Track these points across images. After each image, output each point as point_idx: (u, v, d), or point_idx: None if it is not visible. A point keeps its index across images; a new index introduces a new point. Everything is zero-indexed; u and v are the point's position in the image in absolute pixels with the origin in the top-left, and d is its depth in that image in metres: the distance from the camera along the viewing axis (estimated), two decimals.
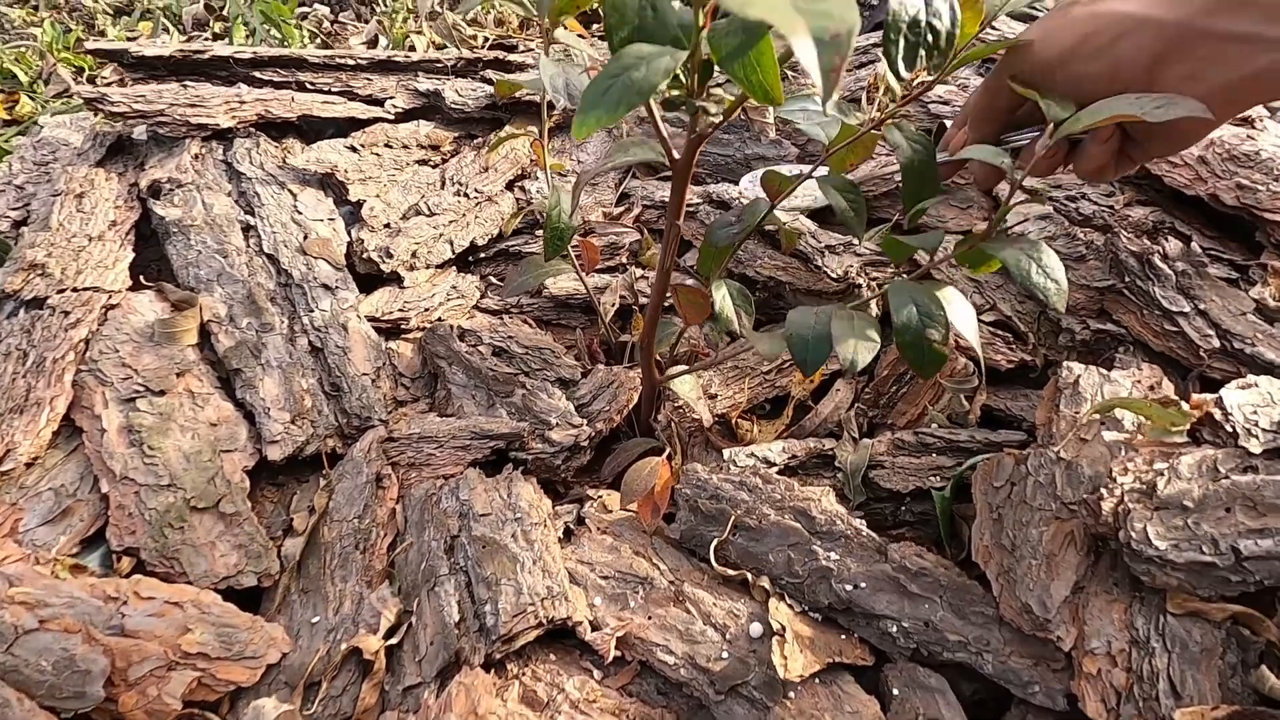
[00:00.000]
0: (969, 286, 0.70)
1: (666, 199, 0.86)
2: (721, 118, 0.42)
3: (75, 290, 0.64)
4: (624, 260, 0.82)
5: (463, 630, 0.48)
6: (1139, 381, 0.54)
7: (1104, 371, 0.54)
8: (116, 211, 0.72)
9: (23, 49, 1.30)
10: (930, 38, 0.32)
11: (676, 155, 0.47)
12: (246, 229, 0.72)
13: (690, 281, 0.77)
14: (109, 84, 1.16)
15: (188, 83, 0.80)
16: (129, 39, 1.31)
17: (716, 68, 0.38)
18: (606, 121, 0.31)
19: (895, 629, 0.47)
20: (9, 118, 1.14)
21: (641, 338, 0.58)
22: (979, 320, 0.68)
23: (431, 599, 0.50)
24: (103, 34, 1.34)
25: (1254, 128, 0.66)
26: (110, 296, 0.64)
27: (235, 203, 0.74)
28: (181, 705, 0.44)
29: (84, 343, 0.60)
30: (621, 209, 0.88)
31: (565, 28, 0.65)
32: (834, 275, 0.71)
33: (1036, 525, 0.47)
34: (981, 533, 0.50)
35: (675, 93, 0.39)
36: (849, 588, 0.48)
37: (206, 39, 1.27)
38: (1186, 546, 0.42)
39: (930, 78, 0.48)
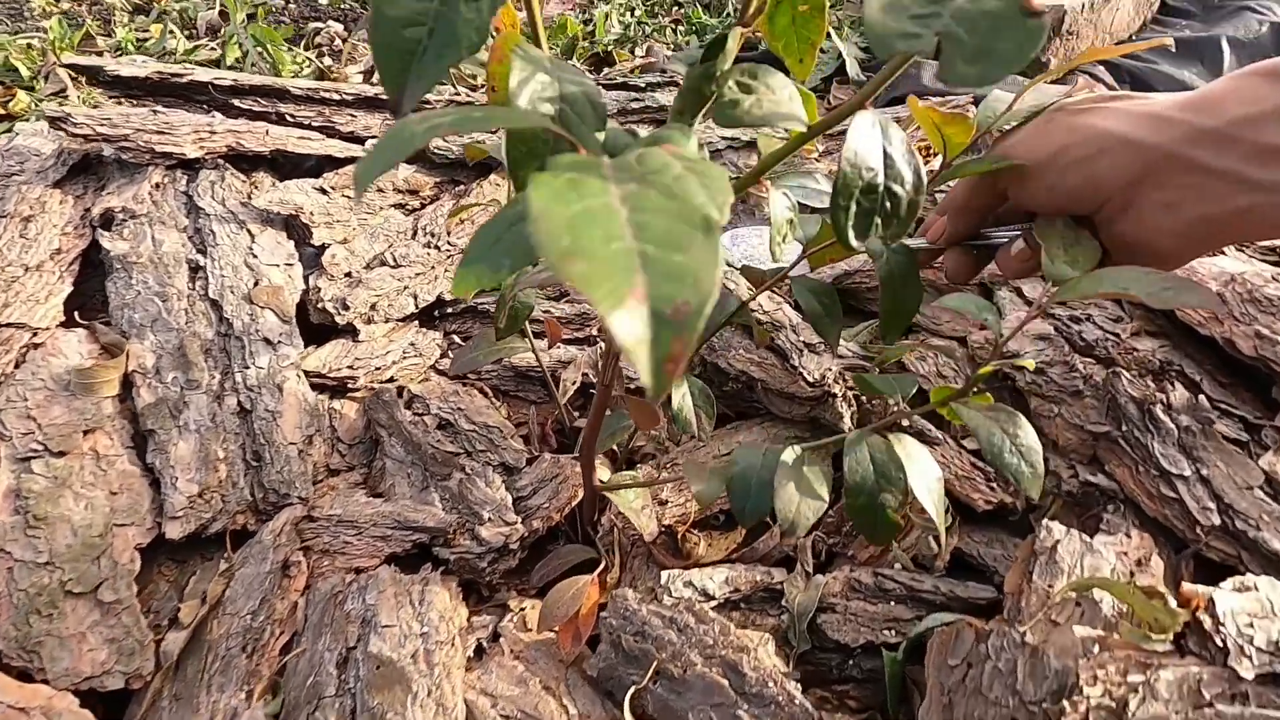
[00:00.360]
0: None
1: None
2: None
3: None
4: (594, 332, 0.77)
5: None
6: (1125, 553, 0.48)
7: (1086, 538, 0.48)
8: (64, 239, 0.69)
9: (32, 41, 1.29)
10: (889, 204, 0.27)
11: (606, 380, 0.42)
12: (195, 269, 0.69)
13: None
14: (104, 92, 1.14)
15: (158, 108, 0.77)
16: (138, 40, 1.30)
17: None
18: (489, 281, 0.26)
19: None
20: (4, 112, 1.12)
21: (583, 440, 0.53)
22: (960, 445, 0.62)
23: None
24: (113, 32, 1.33)
25: None
26: (35, 335, 0.61)
27: (189, 239, 0.70)
28: None
29: None
30: None
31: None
32: (810, 379, 0.66)
33: None
34: (929, 717, 0.44)
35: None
36: None
37: (214, 47, 1.26)
38: None
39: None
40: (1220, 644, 0.40)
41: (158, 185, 0.74)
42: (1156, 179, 0.34)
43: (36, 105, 1.11)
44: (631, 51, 1.35)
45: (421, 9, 0.24)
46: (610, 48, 1.36)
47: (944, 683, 0.45)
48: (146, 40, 1.30)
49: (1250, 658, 0.39)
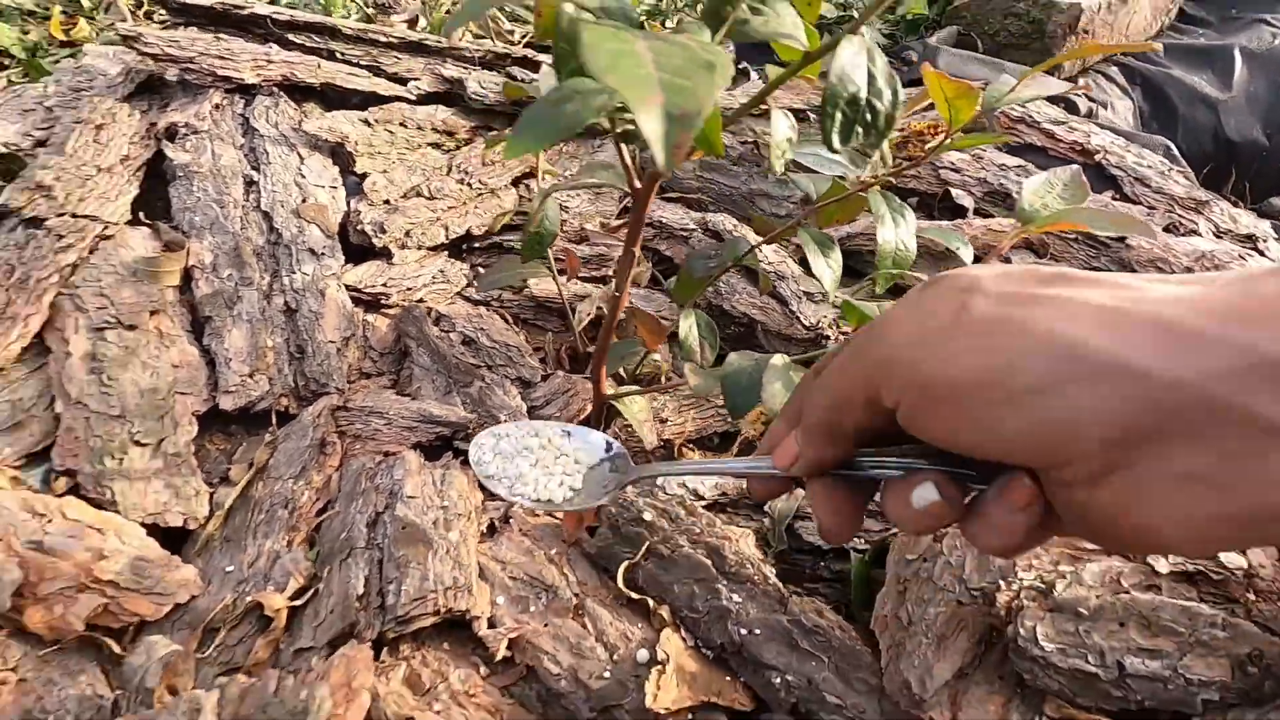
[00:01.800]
0: None
1: (662, 219, 0.88)
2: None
3: (74, 216, 0.66)
4: (610, 273, 0.83)
5: (364, 605, 0.49)
6: None
7: None
8: (131, 147, 0.75)
9: None
10: (869, 116, 0.33)
11: (638, 184, 0.48)
12: (249, 183, 0.75)
13: (668, 310, 0.78)
14: (164, 24, 1.20)
15: (222, 35, 0.83)
16: None
17: None
18: (534, 147, 0.32)
19: (779, 680, 0.47)
20: (65, 39, 1.18)
21: (595, 351, 0.59)
22: None
23: (342, 569, 0.51)
24: None
25: None
26: (106, 227, 0.67)
27: (244, 157, 0.76)
28: (84, 627, 0.46)
29: (70, 267, 0.62)
30: (620, 221, 0.90)
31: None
32: (806, 323, 0.72)
33: (936, 605, 0.47)
34: (884, 602, 0.50)
35: (632, 128, 0.40)
36: (743, 631, 0.49)
37: None
38: (1073, 653, 0.42)
39: (937, 143, 0.48)
40: None
41: (217, 106, 0.80)
42: (1177, 435, 0.19)
43: (98, 34, 1.17)
44: (663, 24, 1.40)
45: None
46: (643, 20, 1.41)
47: (900, 574, 0.51)
48: None
49: (1167, 557, 0.45)
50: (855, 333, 0.28)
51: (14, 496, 0.49)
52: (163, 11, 1.25)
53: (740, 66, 1.26)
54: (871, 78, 0.32)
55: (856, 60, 0.32)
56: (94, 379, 0.56)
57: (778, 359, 0.48)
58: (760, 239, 0.62)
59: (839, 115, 0.32)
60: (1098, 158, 0.85)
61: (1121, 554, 0.43)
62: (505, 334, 0.73)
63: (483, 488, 0.53)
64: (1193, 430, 0.19)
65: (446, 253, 0.83)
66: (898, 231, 0.54)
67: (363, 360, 0.70)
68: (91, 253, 0.65)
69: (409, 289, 0.77)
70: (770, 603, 0.50)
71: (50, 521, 0.48)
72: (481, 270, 0.83)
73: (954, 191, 0.85)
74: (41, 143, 0.77)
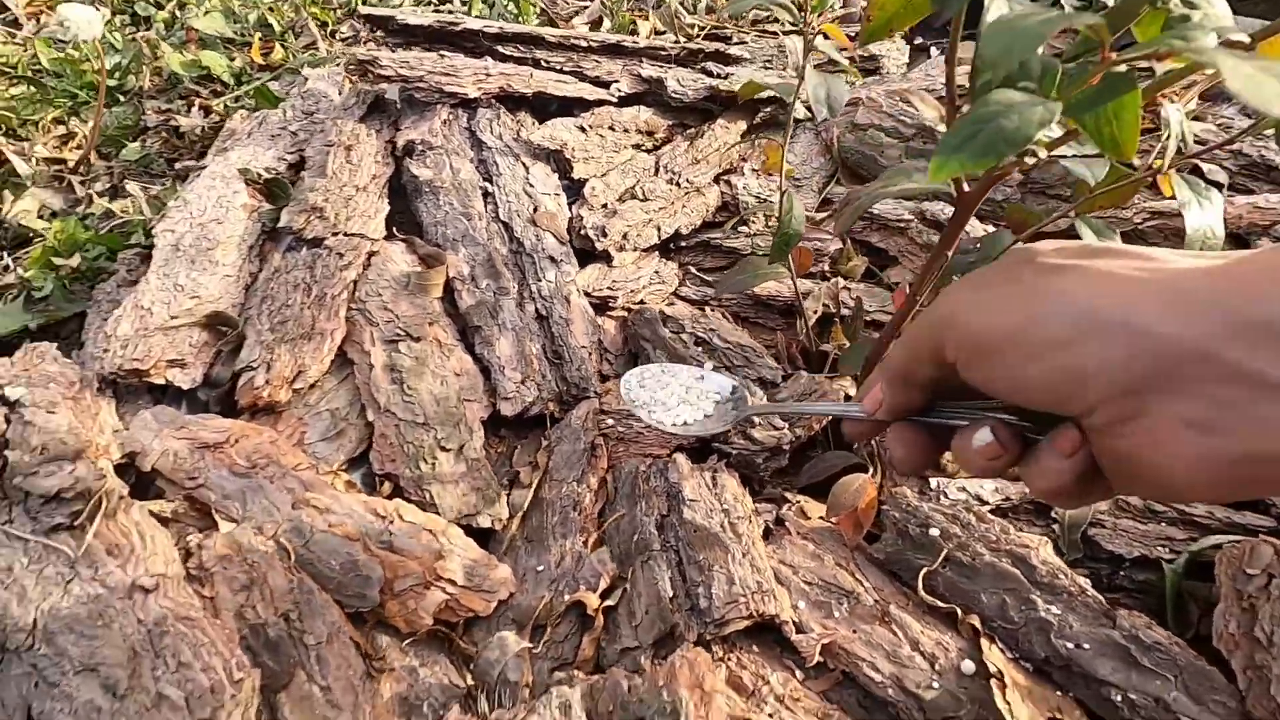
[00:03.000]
0: None
1: (877, 210, 0.85)
2: (1043, 157, 0.41)
3: (345, 235, 0.71)
4: (825, 268, 0.82)
5: (675, 606, 0.51)
6: None
7: None
8: (376, 166, 0.80)
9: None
10: None
11: (967, 188, 0.46)
12: (485, 195, 0.78)
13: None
14: (346, 41, 1.27)
15: (444, 53, 0.87)
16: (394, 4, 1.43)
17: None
18: (969, 168, 0.31)
19: (1120, 698, 0.45)
20: (263, 63, 1.28)
21: (871, 356, 0.59)
22: None
23: (645, 571, 0.53)
24: None
25: None
26: (372, 244, 0.72)
27: (477, 169, 0.80)
28: (432, 621, 0.50)
29: (354, 283, 0.67)
30: (824, 215, 0.88)
31: (826, 36, 0.65)
32: None
33: None
34: (1227, 619, 0.47)
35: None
36: (1070, 645, 0.47)
37: (452, 7, 1.36)
38: None
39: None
40: None
41: (445, 121, 0.83)
42: (1178, 385, 0.22)
43: (294, 56, 1.26)
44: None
45: None
46: None
47: (1242, 589, 0.48)
48: (401, 3, 1.43)
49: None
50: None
51: (357, 499, 0.54)
52: (345, 30, 1.33)
53: (916, 43, 1.20)
54: None
55: None
56: (396, 388, 0.60)
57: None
58: (1017, 235, 0.59)
59: None
60: None
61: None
62: (736, 334, 0.73)
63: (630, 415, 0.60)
64: (1191, 381, 0.22)
65: (658, 253, 0.84)
66: (1204, 215, 0.50)
67: (600, 364, 0.72)
68: (366, 268, 0.69)
69: (632, 290, 0.78)
70: (1094, 615, 0.48)
71: (392, 523, 0.52)
72: (693, 270, 0.84)
73: (1205, 167, 0.78)
74: (295, 166, 0.83)
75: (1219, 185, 0.78)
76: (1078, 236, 0.52)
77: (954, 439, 0.30)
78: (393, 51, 0.90)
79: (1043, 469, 0.27)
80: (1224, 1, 0.33)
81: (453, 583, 0.51)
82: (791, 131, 0.97)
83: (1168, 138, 0.52)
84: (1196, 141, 0.81)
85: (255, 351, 0.61)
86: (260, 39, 1.31)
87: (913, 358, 0.30)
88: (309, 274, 0.67)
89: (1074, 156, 0.54)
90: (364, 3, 1.26)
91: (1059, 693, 0.47)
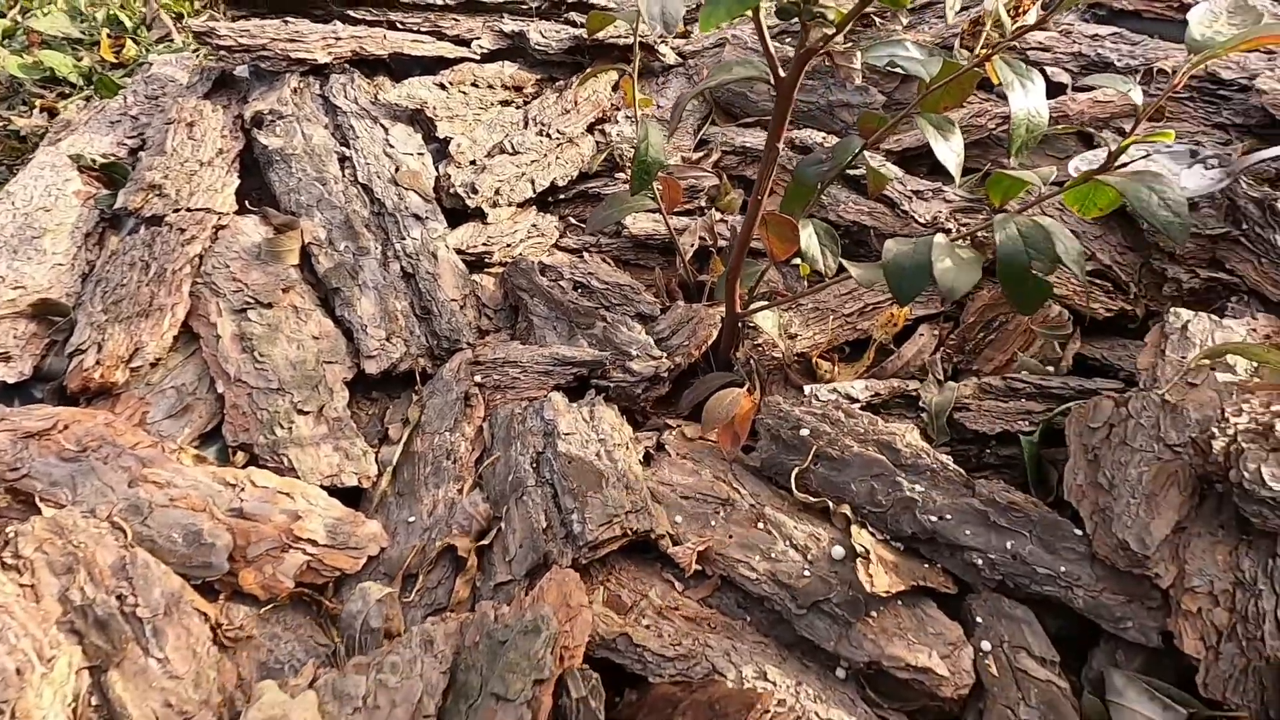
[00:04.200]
0: None
1: (745, 145, 0.85)
2: (835, 30, 0.41)
3: (189, 210, 0.67)
4: (701, 204, 0.81)
5: (549, 536, 0.50)
6: (1254, 329, 0.52)
7: (1215, 318, 0.52)
8: (223, 140, 0.76)
9: None
10: None
11: (782, 72, 0.46)
12: (342, 160, 0.75)
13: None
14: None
15: (288, 19, 0.83)
16: None
17: None
18: (737, 11, 0.31)
19: (980, 560, 0.46)
20: (116, 61, 1.20)
21: (730, 266, 0.58)
22: None
23: (520, 507, 0.52)
24: None
25: None
26: (220, 218, 0.68)
27: (332, 135, 0.77)
28: (294, 584, 0.48)
29: (198, 258, 0.64)
30: (700, 154, 0.88)
31: None
32: (922, 220, 0.69)
33: (1137, 465, 0.46)
34: (1075, 473, 0.49)
35: (789, 1, 0.38)
36: (934, 519, 0.48)
37: None
38: None
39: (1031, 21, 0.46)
40: None
41: (295, 90, 0.80)
42: None
43: (146, 51, 1.19)
44: None
45: None
46: None
47: (1087, 443, 0.49)
48: None
49: None
50: None
51: (204, 471, 0.51)
52: (201, 22, 1.26)
53: None
54: None
55: None
56: (247, 356, 0.57)
57: (939, 238, 0.47)
58: (866, 140, 0.60)
59: None
60: None
61: None
62: (614, 275, 0.73)
63: None
64: None
65: (535, 206, 0.82)
66: (1028, 98, 0.51)
67: (479, 319, 0.71)
68: (213, 242, 0.66)
69: (509, 245, 0.76)
70: (955, 488, 0.50)
71: (243, 490, 0.50)
72: (573, 221, 0.82)
73: (1049, 70, 0.81)
74: (135, 150, 0.78)
75: (1063, 86, 0.81)
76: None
77: None
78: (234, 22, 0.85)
79: None
80: None
81: (314, 543, 0.49)
82: (661, 76, 0.97)
83: (990, 25, 0.53)
84: (1038, 46, 0.84)
85: (86, 334, 0.57)
86: (110, 36, 1.24)
87: None
88: (148, 252, 0.63)
89: (908, 58, 0.55)
90: None
91: (927, 564, 0.48)
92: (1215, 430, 0.43)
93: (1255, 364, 0.47)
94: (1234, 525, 0.43)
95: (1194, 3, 0.85)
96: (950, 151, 0.53)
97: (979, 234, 0.57)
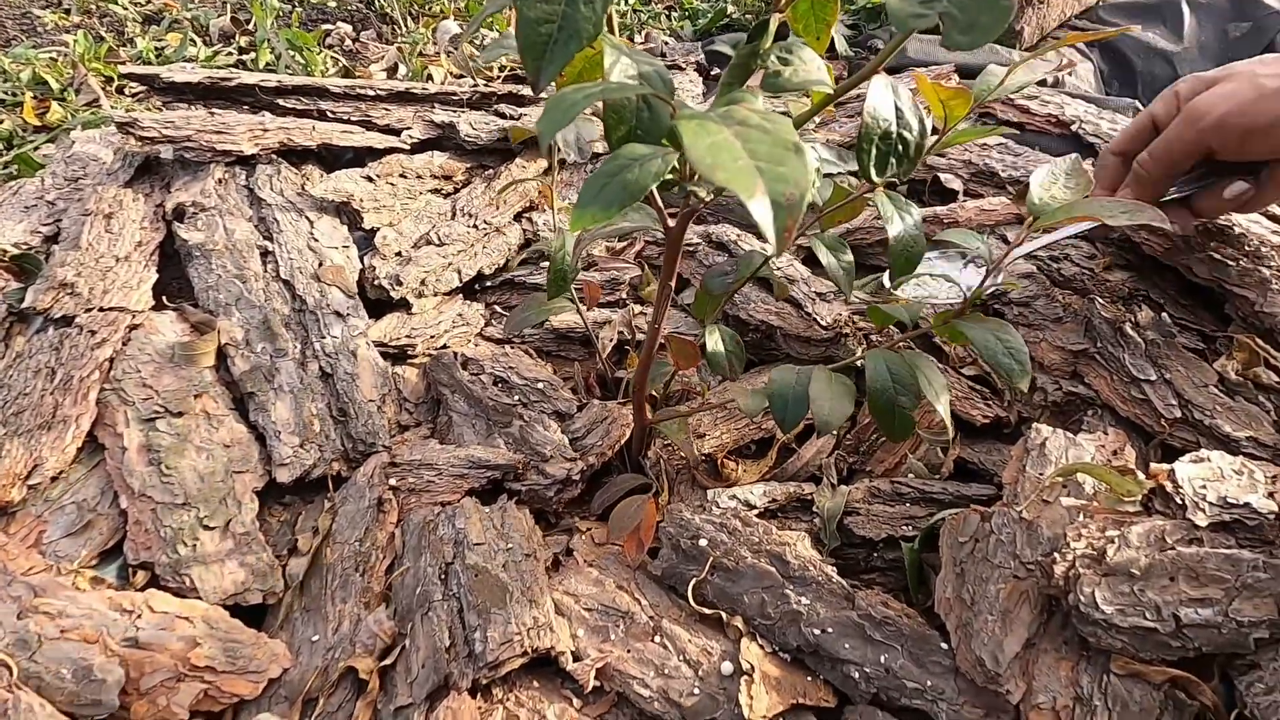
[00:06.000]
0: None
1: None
2: (710, 197, 0.45)
3: (102, 310, 0.67)
4: (624, 295, 0.85)
5: (453, 655, 0.51)
6: (1103, 446, 0.57)
7: (1070, 435, 0.57)
8: (142, 232, 0.76)
9: (54, 55, 1.34)
10: (900, 147, 0.35)
11: (671, 224, 0.50)
12: (265, 254, 0.76)
13: (684, 325, 0.80)
14: (136, 97, 1.20)
15: (215, 110, 0.84)
16: (157, 49, 1.35)
17: None
18: (602, 218, 0.34)
19: (857, 674, 0.50)
20: (39, 124, 1.18)
21: (635, 381, 0.62)
22: (959, 373, 0.71)
23: (425, 623, 0.53)
24: (132, 42, 1.38)
25: None
26: (134, 316, 0.68)
27: (255, 228, 0.78)
28: (188, 715, 0.47)
29: (109, 362, 0.63)
30: (624, 244, 0.92)
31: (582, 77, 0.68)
32: (824, 323, 0.74)
33: (995, 582, 0.50)
34: (945, 585, 0.53)
35: (670, 177, 0.42)
36: (817, 631, 0.51)
37: (230, 52, 1.32)
38: (1131, 612, 0.45)
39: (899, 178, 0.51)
40: (1180, 502, 0.49)
41: (220, 181, 0.80)
42: None
43: (72, 115, 1.17)
44: (631, 39, 1.42)
45: (551, 10, 0.31)
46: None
47: (956, 556, 0.53)
48: (165, 49, 1.36)
49: (1204, 510, 0.48)
50: (1185, 104, 0.56)
51: (100, 597, 0.50)
52: (135, 86, 1.25)
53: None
54: (899, 112, 0.35)
55: (885, 97, 0.35)
56: (153, 470, 0.57)
57: (819, 371, 0.51)
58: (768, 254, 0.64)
59: (874, 150, 0.35)
60: (1074, 128, 0.89)
61: None
62: (535, 369, 0.75)
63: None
64: None
65: (461, 296, 0.84)
66: (906, 227, 0.56)
67: (399, 414, 0.72)
68: (125, 344, 0.66)
69: (432, 337, 0.78)
70: (838, 600, 0.53)
71: (139, 616, 0.50)
72: (499, 309, 0.85)
73: (942, 176, 0.88)
74: (51, 238, 0.77)
75: (954, 192, 0.89)
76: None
77: (1198, 200, 0.59)
78: (161, 111, 0.86)
79: (1272, 194, 0.56)
80: (814, 56, 0.37)
81: (212, 669, 0.49)
82: (573, 171, 1.01)
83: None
84: (936, 154, 0.91)
85: None
86: (34, 98, 1.22)
87: (1184, 151, 0.55)
88: (54, 357, 0.63)
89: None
90: (96, 62, 1.19)
91: (810, 678, 0.51)
92: (1057, 555, 0.47)
93: (1099, 484, 0.53)
94: (1075, 642, 0.47)
95: (1069, 119, 0.93)
96: (841, 270, 0.58)
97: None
